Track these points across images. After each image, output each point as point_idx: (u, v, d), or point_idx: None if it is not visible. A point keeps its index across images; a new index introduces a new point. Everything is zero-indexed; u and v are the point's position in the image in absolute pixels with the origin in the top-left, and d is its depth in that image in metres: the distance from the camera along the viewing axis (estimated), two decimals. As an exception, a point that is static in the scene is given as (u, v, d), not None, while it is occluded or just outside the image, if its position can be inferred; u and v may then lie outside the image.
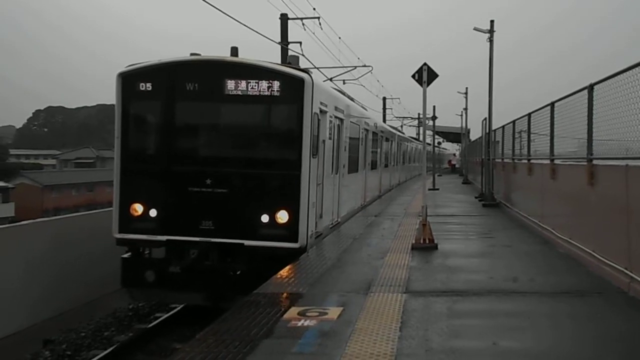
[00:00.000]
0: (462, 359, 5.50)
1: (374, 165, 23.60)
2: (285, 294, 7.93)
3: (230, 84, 11.26)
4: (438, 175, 41.32)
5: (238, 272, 11.11)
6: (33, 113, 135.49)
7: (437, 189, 30.77)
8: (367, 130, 20.71)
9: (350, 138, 16.87)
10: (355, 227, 14.97)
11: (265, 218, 11.07)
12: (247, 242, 11.01)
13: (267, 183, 11.38)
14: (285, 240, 10.99)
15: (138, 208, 11.48)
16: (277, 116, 11.75)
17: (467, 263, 10.44)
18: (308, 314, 6.81)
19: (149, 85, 11.57)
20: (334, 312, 6.90)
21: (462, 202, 24.08)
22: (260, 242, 10.98)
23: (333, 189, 14.22)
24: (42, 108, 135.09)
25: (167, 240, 11.30)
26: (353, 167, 17.83)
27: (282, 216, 11.07)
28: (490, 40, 23.49)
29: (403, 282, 8.60)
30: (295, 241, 11.02)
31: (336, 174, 14.65)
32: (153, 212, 11.46)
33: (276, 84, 11.15)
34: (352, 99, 19.29)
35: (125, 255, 11.79)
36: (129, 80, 11.68)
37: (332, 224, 14.19)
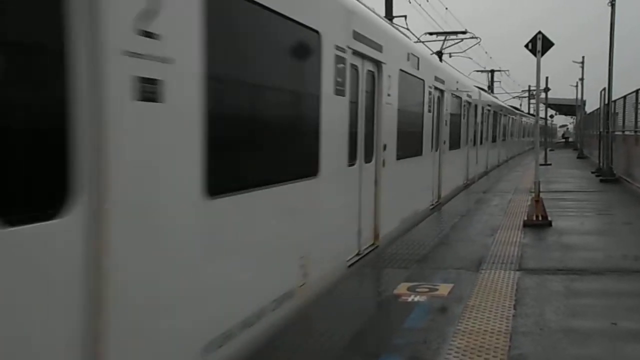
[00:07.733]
0: (580, 338, 5.31)
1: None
2: (394, 270, 7.96)
3: None
4: (550, 150, 39.59)
5: None
6: None
7: (550, 164, 29.54)
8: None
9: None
10: (461, 205, 14.71)
11: None
12: None
13: None
14: None
15: None
16: None
17: (584, 241, 10.01)
18: (418, 290, 6.80)
19: None
20: (444, 289, 6.86)
21: (577, 177, 23.00)
22: None
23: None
24: None
25: None
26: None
27: None
28: (612, 4, 21.94)
29: (515, 259, 8.38)
30: None
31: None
32: None
33: None
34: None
35: None
36: None
37: None
